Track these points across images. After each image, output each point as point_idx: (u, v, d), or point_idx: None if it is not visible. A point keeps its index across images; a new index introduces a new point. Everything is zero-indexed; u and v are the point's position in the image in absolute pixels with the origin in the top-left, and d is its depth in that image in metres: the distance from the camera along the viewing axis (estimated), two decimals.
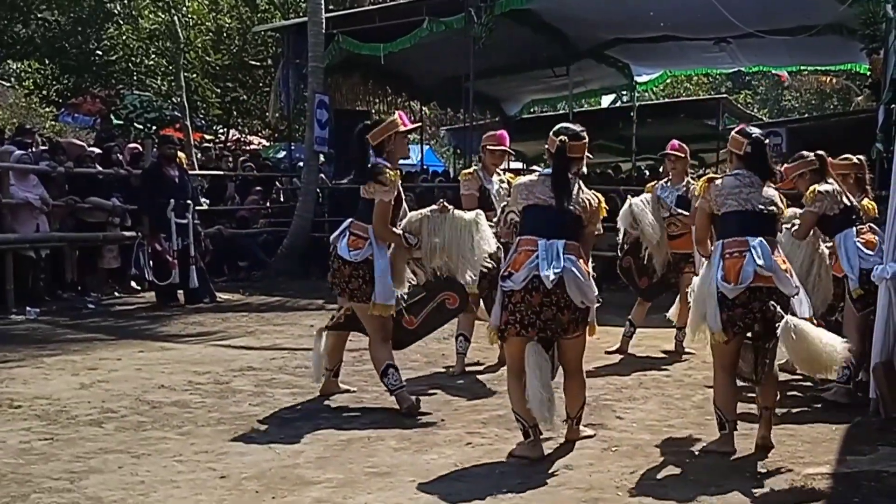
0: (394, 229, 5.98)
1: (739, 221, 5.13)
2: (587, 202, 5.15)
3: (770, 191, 5.23)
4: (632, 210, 8.15)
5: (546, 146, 5.34)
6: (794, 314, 5.03)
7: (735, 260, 5.05)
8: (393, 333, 6.24)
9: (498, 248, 6.37)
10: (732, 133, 5.39)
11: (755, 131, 5.35)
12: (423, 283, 6.36)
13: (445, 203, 6.25)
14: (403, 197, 6.15)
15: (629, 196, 8.49)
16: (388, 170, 5.88)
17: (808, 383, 6.98)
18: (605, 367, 7.80)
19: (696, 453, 5.28)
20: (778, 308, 4.98)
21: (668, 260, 8.32)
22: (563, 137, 5.18)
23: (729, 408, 5.22)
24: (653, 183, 8.81)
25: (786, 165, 6.83)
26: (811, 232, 6.47)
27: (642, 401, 6.62)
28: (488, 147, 7.68)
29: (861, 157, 6.66)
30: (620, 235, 8.31)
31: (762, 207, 5.13)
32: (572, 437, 5.42)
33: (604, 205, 5.25)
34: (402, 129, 6.05)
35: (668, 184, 8.42)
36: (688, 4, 13.34)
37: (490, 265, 6.20)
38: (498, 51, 14.84)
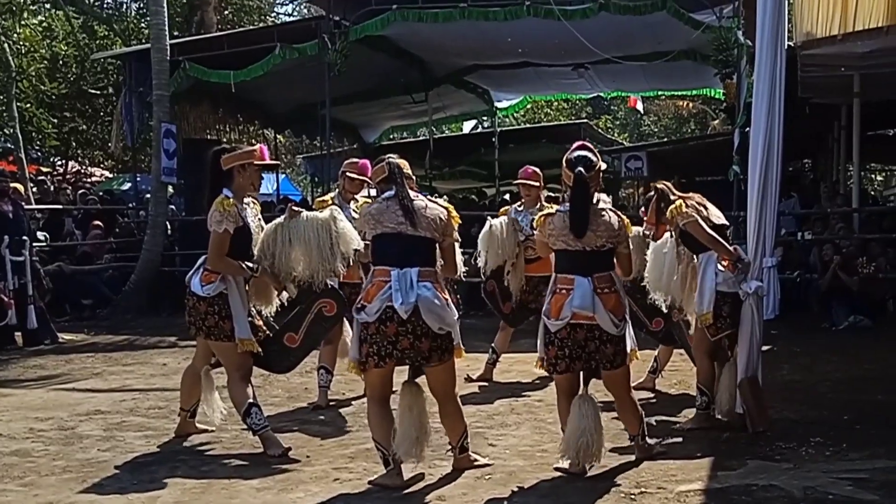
0: (230, 260, 5.87)
1: (569, 260, 5.35)
2: (436, 220, 5.21)
3: (606, 219, 5.35)
4: (491, 231, 8.32)
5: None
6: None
7: (560, 297, 5.27)
8: (278, 358, 6.21)
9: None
10: (563, 161, 5.47)
11: (579, 163, 5.35)
12: (296, 297, 6.28)
13: (294, 207, 6.22)
14: (255, 228, 6.09)
15: (489, 218, 8.64)
16: (225, 199, 5.83)
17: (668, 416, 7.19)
18: (476, 394, 7.87)
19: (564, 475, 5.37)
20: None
21: (524, 284, 8.50)
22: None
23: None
24: (506, 207, 9.06)
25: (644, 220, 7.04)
26: (679, 247, 6.62)
27: (514, 427, 6.70)
28: (348, 174, 7.68)
29: (664, 183, 6.85)
30: (482, 259, 8.41)
31: (592, 247, 5.31)
32: (461, 466, 5.48)
33: (454, 213, 5.33)
34: (256, 161, 6.01)
35: (522, 208, 8.61)
36: (545, 31, 13.65)
37: None
38: (354, 77, 14.89)
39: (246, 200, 6.06)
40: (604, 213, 5.35)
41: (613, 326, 5.25)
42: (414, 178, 5.62)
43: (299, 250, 5.98)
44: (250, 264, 5.98)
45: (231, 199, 5.85)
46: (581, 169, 5.30)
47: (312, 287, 6.11)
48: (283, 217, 6.12)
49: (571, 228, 5.28)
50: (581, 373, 5.42)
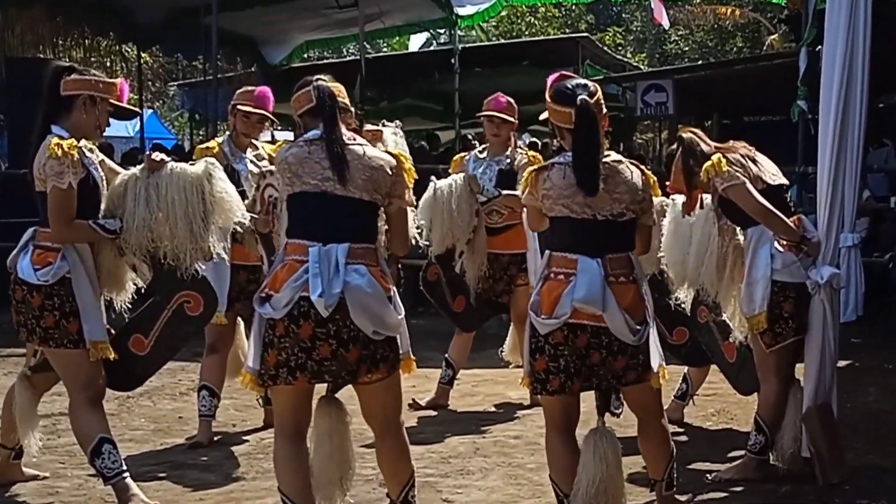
0: (80, 223, 5.81)
1: (571, 232, 5.28)
2: (379, 174, 5.13)
3: (626, 176, 5.32)
4: (436, 197, 8.20)
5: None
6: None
7: (555, 284, 5.23)
8: (118, 370, 6.10)
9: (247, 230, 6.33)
10: (547, 96, 5.41)
11: (579, 90, 5.31)
12: (148, 282, 6.20)
13: (157, 155, 6.08)
14: (104, 179, 6.00)
15: (433, 178, 8.43)
16: (61, 139, 5.75)
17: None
18: (425, 427, 7.88)
19: None
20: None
21: (486, 269, 8.44)
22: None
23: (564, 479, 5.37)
24: (461, 155, 8.96)
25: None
26: (721, 219, 6.62)
27: (480, 474, 6.71)
28: (241, 108, 7.63)
29: (692, 131, 6.81)
30: (422, 236, 8.26)
31: (606, 214, 5.29)
32: None
33: (408, 163, 5.27)
34: (112, 98, 5.96)
35: (485, 155, 8.57)
36: None
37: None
38: None
39: (84, 145, 5.97)
40: (621, 167, 5.30)
41: (629, 332, 5.18)
42: (353, 110, 5.50)
43: (157, 215, 5.90)
44: (111, 221, 5.90)
45: (71, 140, 5.77)
46: (585, 97, 5.25)
47: (175, 272, 6.04)
48: (138, 168, 6.04)
49: (579, 184, 5.22)
50: (580, 395, 5.38)
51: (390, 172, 5.15)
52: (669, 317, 7.30)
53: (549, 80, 5.46)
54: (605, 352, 5.19)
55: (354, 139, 5.18)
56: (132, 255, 5.99)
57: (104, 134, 6.51)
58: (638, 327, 5.19)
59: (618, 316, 5.14)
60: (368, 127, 7.88)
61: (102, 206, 5.97)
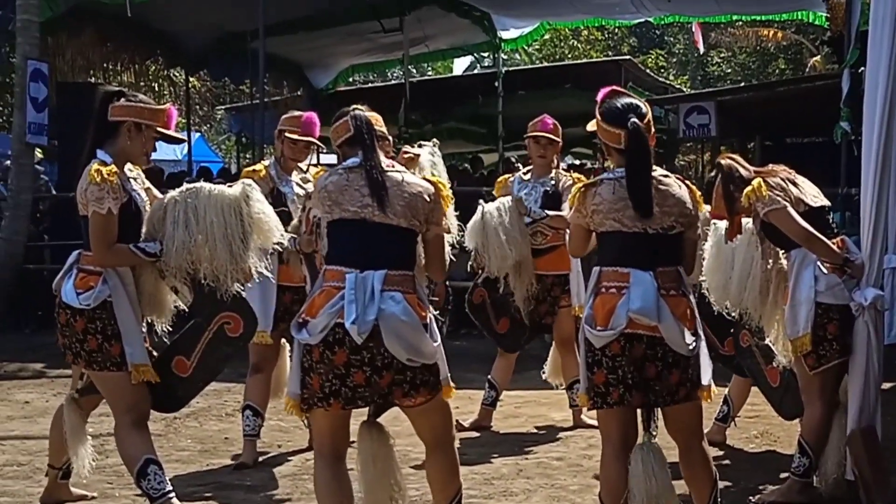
0: (121, 248, 5.82)
1: (623, 246, 5.26)
2: (418, 201, 5.11)
3: (675, 191, 5.32)
4: (485, 221, 8.14)
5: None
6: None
7: (608, 297, 5.20)
8: (161, 392, 6.10)
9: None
10: (597, 112, 5.41)
11: (630, 113, 5.30)
12: (189, 304, 6.20)
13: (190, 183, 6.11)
14: (146, 203, 6.02)
15: (481, 202, 8.36)
16: (101, 166, 5.77)
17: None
18: (468, 448, 7.83)
19: None
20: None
21: (534, 289, 8.40)
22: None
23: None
24: (506, 176, 8.89)
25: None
26: (763, 242, 6.60)
27: (523, 496, 6.68)
28: (287, 134, 7.64)
29: (730, 157, 6.78)
30: (472, 259, 8.26)
31: (657, 228, 5.27)
32: None
33: (445, 190, 5.24)
34: (159, 125, 5.98)
35: (530, 177, 8.55)
36: None
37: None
38: None
39: (129, 170, 6.00)
40: (669, 181, 5.30)
41: (684, 343, 5.15)
42: (390, 138, 5.53)
43: (199, 239, 5.91)
44: (151, 245, 5.91)
45: (111, 166, 5.79)
46: (635, 119, 5.25)
47: (216, 294, 6.05)
48: (177, 191, 6.04)
49: (635, 207, 5.19)
50: (638, 412, 5.35)
51: (428, 199, 5.12)
52: (719, 327, 7.19)
53: (600, 95, 5.45)
54: (660, 364, 5.14)
55: (393, 166, 5.17)
56: (172, 278, 5.98)
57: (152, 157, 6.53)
58: (692, 339, 5.17)
59: (673, 326, 5.12)
60: (406, 149, 7.87)
61: (143, 230, 6.00)
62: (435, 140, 8.28)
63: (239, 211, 5.88)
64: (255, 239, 5.93)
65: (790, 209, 6.22)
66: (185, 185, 6.04)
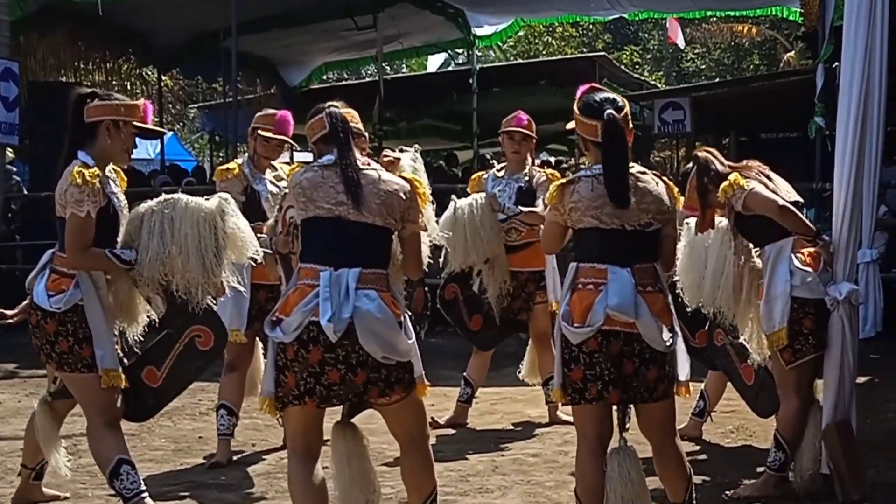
0: (95, 251, 5.79)
1: (600, 243, 5.26)
2: (394, 199, 5.11)
3: (652, 187, 5.31)
4: (456, 217, 8.12)
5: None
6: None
7: (586, 294, 5.20)
8: (131, 400, 6.07)
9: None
10: (575, 107, 5.41)
11: (606, 105, 5.31)
12: (161, 315, 6.18)
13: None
14: (125, 208, 5.99)
15: (453, 197, 8.34)
16: (84, 168, 5.73)
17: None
18: (443, 445, 7.84)
19: None
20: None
21: (508, 286, 8.37)
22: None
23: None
24: (480, 174, 8.88)
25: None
26: (737, 238, 6.61)
27: (499, 492, 6.67)
28: (261, 132, 7.62)
29: (707, 151, 6.80)
30: (443, 255, 8.14)
31: (635, 224, 5.26)
32: None
33: (422, 188, 5.26)
34: (136, 120, 5.94)
35: (504, 173, 8.53)
36: None
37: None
38: None
39: (108, 170, 5.97)
40: (646, 178, 5.29)
41: (662, 339, 5.16)
42: (366, 135, 5.51)
43: (172, 251, 5.87)
44: (126, 252, 5.88)
45: (94, 169, 5.76)
46: (612, 112, 5.24)
47: (188, 307, 6.01)
48: (155, 201, 6.01)
49: (611, 198, 5.19)
50: (614, 410, 5.34)
51: (404, 197, 5.12)
52: (691, 321, 7.17)
53: (579, 91, 5.45)
54: (637, 360, 5.15)
55: (369, 164, 5.16)
56: (146, 287, 5.96)
57: None
58: (669, 335, 5.18)
59: (651, 323, 5.12)
60: (387, 153, 7.83)
61: (120, 237, 5.97)
62: (417, 146, 8.23)
63: (213, 225, 5.85)
64: (228, 254, 5.91)
65: (761, 187, 6.30)
66: (164, 196, 6.00)
